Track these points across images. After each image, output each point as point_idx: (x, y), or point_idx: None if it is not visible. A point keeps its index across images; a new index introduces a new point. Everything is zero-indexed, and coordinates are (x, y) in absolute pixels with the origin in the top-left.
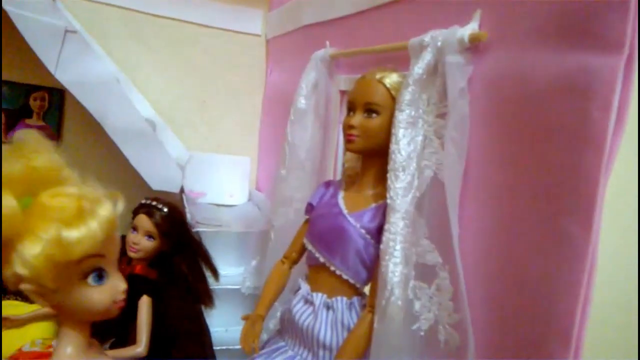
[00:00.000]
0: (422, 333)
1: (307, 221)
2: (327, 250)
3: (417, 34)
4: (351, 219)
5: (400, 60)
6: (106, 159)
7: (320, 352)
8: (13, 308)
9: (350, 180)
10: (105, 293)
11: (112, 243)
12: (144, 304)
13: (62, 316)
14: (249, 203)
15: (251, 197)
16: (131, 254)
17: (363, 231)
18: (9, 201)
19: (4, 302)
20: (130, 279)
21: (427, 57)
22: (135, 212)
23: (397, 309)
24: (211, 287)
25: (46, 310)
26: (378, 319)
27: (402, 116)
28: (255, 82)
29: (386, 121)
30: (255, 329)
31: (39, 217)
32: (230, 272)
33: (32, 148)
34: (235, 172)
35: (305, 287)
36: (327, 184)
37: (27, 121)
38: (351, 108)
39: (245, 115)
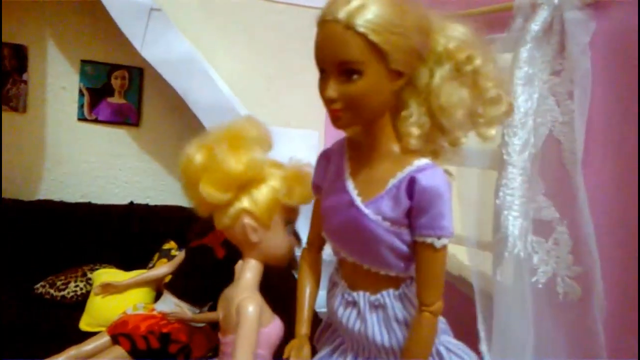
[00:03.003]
0: (540, 285)
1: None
2: (351, 251)
3: None
4: (369, 211)
5: (493, 21)
6: (185, 134)
7: (383, 355)
8: (113, 275)
9: (354, 146)
10: (290, 243)
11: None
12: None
13: (252, 254)
14: None
15: None
16: None
17: (388, 224)
18: (260, 152)
19: (103, 271)
20: (227, 246)
21: (543, 14)
22: None
23: (519, 261)
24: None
25: (144, 276)
26: (500, 272)
27: (520, 73)
28: None
29: (374, 77)
30: (304, 356)
31: (268, 173)
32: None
33: (260, 123)
34: (303, 146)
35: (342, 285)
36: (327, 156)
37: (109, 99)
38: (322, 70)
39: (311, 89)
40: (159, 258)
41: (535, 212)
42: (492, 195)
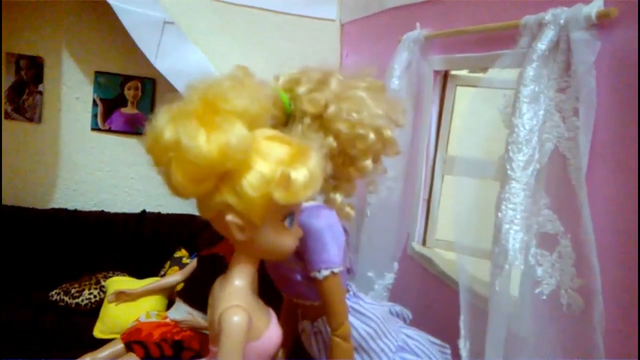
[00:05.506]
0: (544, 297)
1: None
2: (280, 286)
3: (514, 13)
4: None
5: (498, 39)
6: None
7: None
8: (126, 283)
9: None
10: (292, 236)
11: None
12: None
13: (242, 252)
14: None
15: None
16: None
17: (285, 263)
18: (243, 131)
19: (117, 278)
20: None
21: (549, 34)
22: None
23: (520, 273)
24: None
25: (157, 284)
26: (499, 283)
27: (526, 91)
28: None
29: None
30: None
31: (258, 155)
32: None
33: (253, 84)
34: None
35: (299, 315)
36: None
37: (122, 110)
38: None
39: None
40: (171, 266)
41: (540, 225)
42: (490, 204)
